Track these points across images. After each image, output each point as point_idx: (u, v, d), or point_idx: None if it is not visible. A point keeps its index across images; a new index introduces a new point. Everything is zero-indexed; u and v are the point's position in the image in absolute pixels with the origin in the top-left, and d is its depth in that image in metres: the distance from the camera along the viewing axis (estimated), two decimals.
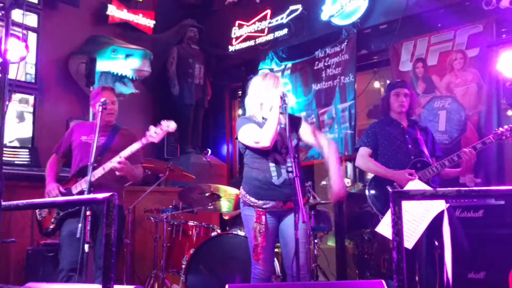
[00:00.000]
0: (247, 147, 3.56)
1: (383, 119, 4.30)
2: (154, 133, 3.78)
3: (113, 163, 3.69)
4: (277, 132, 3.45)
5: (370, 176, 4.46)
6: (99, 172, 3.72)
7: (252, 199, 3.49)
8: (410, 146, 4.03)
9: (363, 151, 4.16)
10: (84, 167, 3.76)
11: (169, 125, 3.78)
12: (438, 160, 4.04)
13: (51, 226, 3.85)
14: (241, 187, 3.64)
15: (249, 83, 3.74)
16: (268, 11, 6.93)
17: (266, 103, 3.56)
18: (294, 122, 3.67)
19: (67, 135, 4.09)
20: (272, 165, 3.46)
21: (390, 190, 3.24)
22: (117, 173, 3.72)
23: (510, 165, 4.88)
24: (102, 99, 3.78)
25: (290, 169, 3.39)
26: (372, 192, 4.04)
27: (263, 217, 3.44)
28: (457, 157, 3.84)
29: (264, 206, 3.44)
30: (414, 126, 4.21)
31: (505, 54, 4.43)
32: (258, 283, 3.43)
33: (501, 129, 3.83)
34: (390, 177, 3.94)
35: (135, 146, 3.75)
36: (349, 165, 7.74)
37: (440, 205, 3.18)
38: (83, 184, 3.74)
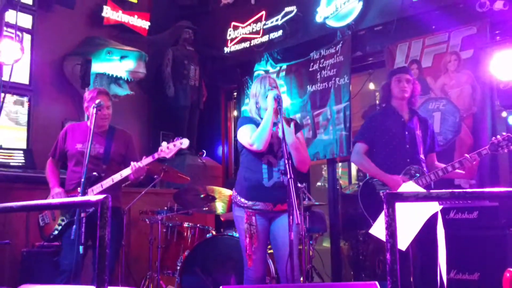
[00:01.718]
0: (244, 147, 3.61)
1: (383, 108, 4.25)
2: (167, 149, 3.83)
3: (130, 168, 3.78)
4: (274, 135, 3.49)
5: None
6: (107, 183, 3.79)
7: (243, 200, 3.54)
8: (407, 146, 3.99)
9: (359, 148, 4.14)
10: (89, 176, 3.76)
11: (182, 142, 3.83)
12: (437, 155, 4.07)
13: (55, 233, 3.88)
14: (234, 187, 3.70)
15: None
16: (263, 13, 6.94)
17: (262, 105, 3.62)
18: (296, 127, 3.69)
19: (60, 139, 4.07)
20: (264, 167, 3.50)
21: (382, 194, 3.23)
22: (132, 176, 3.81)
23: (504, 167, 4.90)
24: (97, 101, 3.78)
25: (283, 171, 3.42)
26: (363, 199, 4.06)
27: (253, 218, 3.48)
28: (451, 167, 3.82)
29: (253, 207, 3.49)
30: (414, 118, 4.13)
31: (498, 56, 4.45)
32: (251, 284, 3.44)
33: (498, 137, 3.74)
34: (383, 180, 3.94)
35: (146, 161, 3.81)
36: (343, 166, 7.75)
37: (434, 207, 3.19)
38: (90, 194, 3.75)
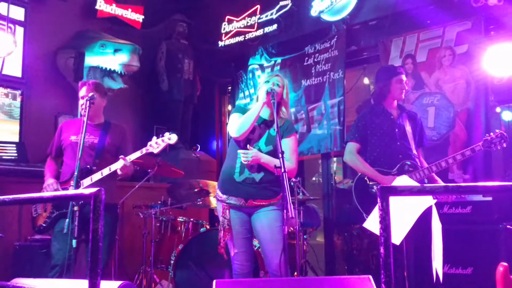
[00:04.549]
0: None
1: (372, 107, 4.28)
2: (155, 144, 3.79)
3: (118, 165, 3.73)
4: (256, 131, 3.55)
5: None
6: (97, 176, 3.76)
7: (219, 194, 3.59)
8: (398, 143, 4.03)
9: (352, 147, 4.16)
10: (82, 169, 3.73)
11: (171, 138, 3.79)
12: (424, 151, 4.09)
13: (44, 224, 3.86)
14: None
15: None
16: (258, 7, 6.91)
17: (258, 96, 3.69)
18: (287, 130, 3.66)
19: (56, 135, 4.08)
20: (238, 161, 3.52)
21: (375, 189, 3.22)
22: (119, 172, 3.77)
23: (497, 162, 4.91)
24: (90, 94, 3.76)
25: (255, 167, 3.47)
26: (357, 194, 4.07)
27: (227, 211, 3.52)
28: (445, 163, 3.85)
29: (227, 201, 3.53)
30: (403, 114, 4.19)
31: (492, 51, 4.46)
32: (239, 278, 3.46)
33: (492, 134, 3.78)
34: (377, 180, 3.95)
35: (135, 155, 3.78)
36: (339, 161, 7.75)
37: (427, 201, 3.19)
38: (81, 186, 3.72)
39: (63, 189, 3.84)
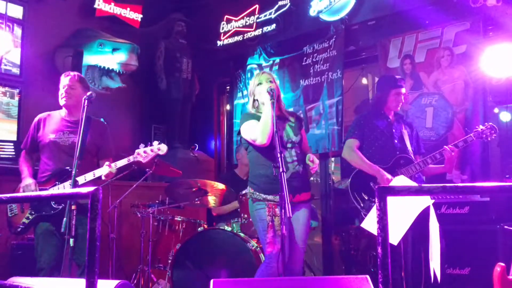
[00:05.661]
0: (249, 143, 3.65)
1: (371, 111, 4.32)
2: (143, 153, 3.71)
3: (103, 171, 3.65)
4: (281, 128, 3.58)
5: None
6: (80, 180, 3.61)
7: (262, 195, 3.56)
8: (396, 141, 4.06)
9: (351, 143, 4.19)
10: (62, 170, 3.67)
11: (160, 148, 3.71)
12: (423, 158, 4.11)
13: (22, 226, 3.72)
14: (248, 186, 3.71)
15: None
16: (256, 6, 6.90)
17: (258, 100, 3.70)
18: (299, 121, 3.82)
19: (32, 129, 3.92)
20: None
21: (373, 186, 3.23)
22: (103, 178, 3.69)
23: (495, 162, 4.91)
24: (88, 93, 3.70)
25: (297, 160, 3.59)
26: (353, 191, 4.08)
27: (276, 210, 3.51)
28: (439, 155, 3.91)
29: (275, 200, 3.51)
30: (399, 120, 4.27)
31: (490, 52, 4.46)
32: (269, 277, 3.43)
33: (481, 127, 3.91)
34: (373, 173, 3.96)
35: (121, 163, 3.69)
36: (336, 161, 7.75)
37: (425, 201, 3.19)
38: (61, 189, 3.63)
39: (42, 189, 3.70)
